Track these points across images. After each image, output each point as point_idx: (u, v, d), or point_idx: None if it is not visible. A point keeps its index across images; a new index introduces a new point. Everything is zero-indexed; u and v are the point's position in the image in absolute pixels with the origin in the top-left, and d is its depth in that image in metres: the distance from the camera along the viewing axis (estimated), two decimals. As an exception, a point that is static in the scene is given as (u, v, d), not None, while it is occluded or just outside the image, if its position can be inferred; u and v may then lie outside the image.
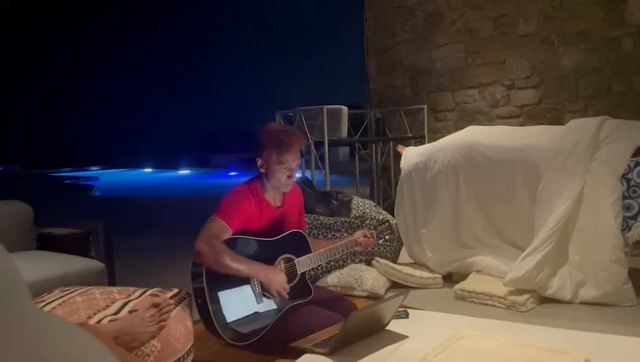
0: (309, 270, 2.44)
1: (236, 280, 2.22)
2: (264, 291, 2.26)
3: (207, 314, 2.18)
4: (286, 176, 2.31)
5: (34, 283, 2.57)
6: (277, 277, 2.24)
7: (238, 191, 2.33)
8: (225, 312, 2.19)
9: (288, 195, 2.44)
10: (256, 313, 2.25)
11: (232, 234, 2.22)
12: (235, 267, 2.15)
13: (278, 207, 2.40)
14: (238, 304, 2.23)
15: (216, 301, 2.18)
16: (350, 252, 3.64)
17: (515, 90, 5.60)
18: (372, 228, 2.64)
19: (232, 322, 2.20)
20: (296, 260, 2.36)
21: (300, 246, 2.41)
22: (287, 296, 2.25)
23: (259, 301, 2.26)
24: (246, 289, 2.25)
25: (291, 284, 2.31)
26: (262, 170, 2.33)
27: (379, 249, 3.87)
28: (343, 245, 2.47)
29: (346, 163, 13.57)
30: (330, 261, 3.57)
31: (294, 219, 2.50)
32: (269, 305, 2.28)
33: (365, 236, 2.49)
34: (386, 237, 2.66)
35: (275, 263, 2.32)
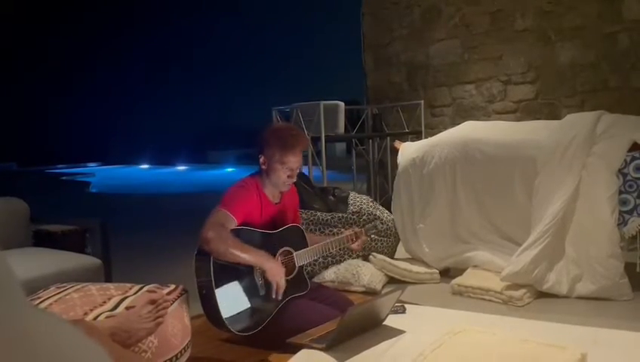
0: (307, 266, 2.48)
1: (240, 272, 2.26)
2: (266, 282, 2.30)
3: (213, 305, 2.20)
4: (286, 176, 2.36)
5: (30, 280, 2.56)
6: (279, 269, 2.29)
7: (241, 185, 2.38)
8: (229, 303, 2.23)
9: (285, 192, 2.49)
10: (258, 304, 2.29)
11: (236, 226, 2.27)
12: (241, 255, 2.20)
13: (276, 204, 2.46)
14: (241, 295, 2.27)
15: (222, 292, 2.21)
16: (348, 247, 3.67)
17: (511, 85, 5.60)
18: (360, 226, 2.71)
19: (236, 313, 2.23)
20: (294, 253, 2.42)
21: (298, 241, 2.49)
22: (281, 290, 2.29)
23: (261, 292, 2.30)
24: (249, 281, 2.29)
25: (290, 277, 2.37)
26: (263, 167, 2.39)
27: (375, 244, 3.88)
28: (337, 240, 2.57)
29: (343, 159, 13.57)
30: (328, 257, 3.60)
31: (290, 216, 2.56)
32: (270, 296, 2.31)
33: (356, 233, 2.60)
34: (372, 236, 2.72)
35: (276, 255, 2.38)
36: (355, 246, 2.59)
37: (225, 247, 2.16)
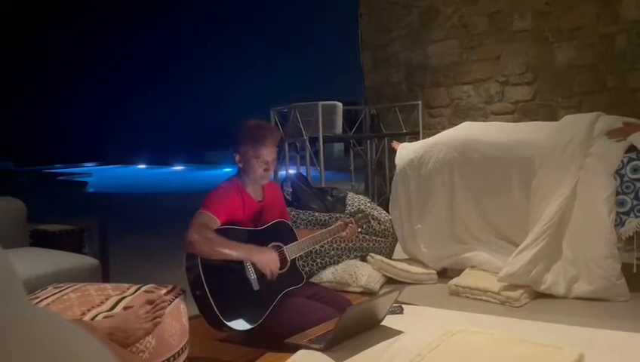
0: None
1: (231, 269, 2.27)
2: (259, 276, 2.31)
3: (207, 304, 2.20)
4: (262, 170, 2.41)
5: (27, 280, 2.56)
6: (268, 256, 2.32)
7: (221, 186, 2.44)
8: (224, 301, 2.22)
9: (268, 190, 2.55)
10: (253, 300, 2.29)
11: (220, 226, 2.28)
12: (228, 252, 2.22)
13: (259, 201, 2.49)
14: (235, 292, 2.27)
15: (214, 290, 2.21)
16: (345, 247, 3.68)
17: (509, 86, 5.61)
18: (350, 217, 2.79)
19: (232, 311, 2.23)
20: (285, 247, 2.44)
21: (287, 235, 2.52)
22: (275, 275, 2.31)
23: (255, 286, 2.29)
24: (242, 277, 2.29)
25: (283, 271, 2.39)
26: (240, 165, 2.45)
27: (373, 245, 3.88)
28: (328, 231, 2.60)
29: (340, 159, 13.55)
30: (325, 257, 3.61)
31: (277, 213, 2.58)
32: (265, 291, 2.32)
33: (346, 222, 2.64)
34: (364, 226, 2.83)
35: None
36: (344, 234, 2.63)
37: (210, 246, 2.19)
